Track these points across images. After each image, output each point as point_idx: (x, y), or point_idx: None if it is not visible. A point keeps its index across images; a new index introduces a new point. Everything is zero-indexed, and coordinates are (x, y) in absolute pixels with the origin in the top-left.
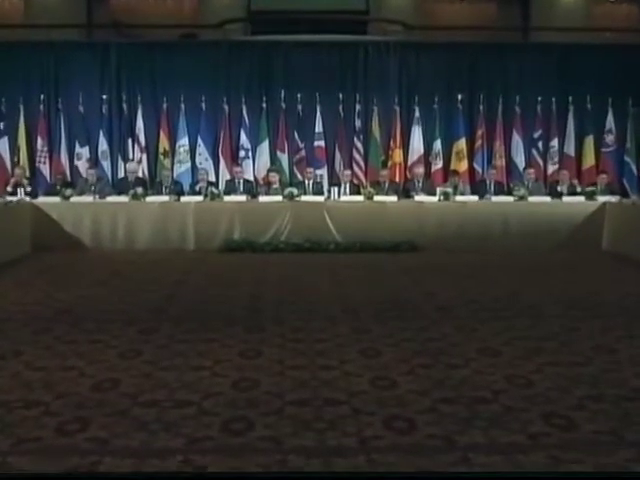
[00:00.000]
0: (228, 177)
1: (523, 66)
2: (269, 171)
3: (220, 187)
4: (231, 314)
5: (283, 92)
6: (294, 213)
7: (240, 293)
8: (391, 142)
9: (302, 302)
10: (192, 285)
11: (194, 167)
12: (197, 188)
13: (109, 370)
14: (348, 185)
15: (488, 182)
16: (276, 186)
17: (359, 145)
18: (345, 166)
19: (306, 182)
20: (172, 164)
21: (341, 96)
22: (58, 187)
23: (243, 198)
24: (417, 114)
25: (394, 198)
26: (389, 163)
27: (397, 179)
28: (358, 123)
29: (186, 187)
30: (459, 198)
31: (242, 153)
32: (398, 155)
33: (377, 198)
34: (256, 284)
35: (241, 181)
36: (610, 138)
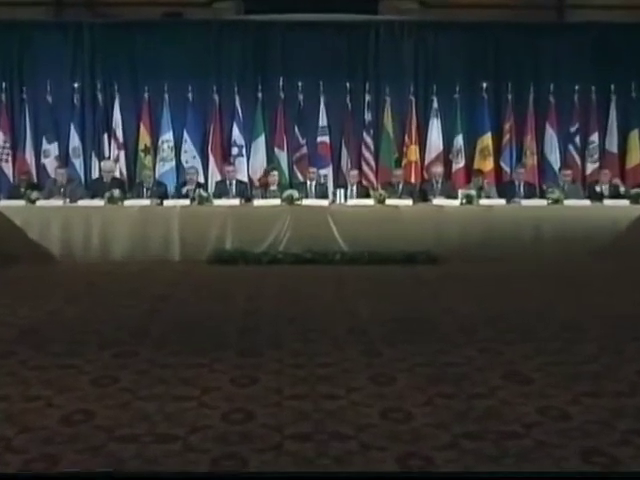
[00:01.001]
0: (219, 178)
1: (557, 49)
2: (266, 171)
3: (209, 189)
4: (221, 335)
5: (282, 80)
6: (294, 219)
7: (232, 311)
8: (406, 137)
9: (303, 321)
10: (177, 301)
11: (179, 166)
12: (183, 190)
13: (81, 400)
14: (356, 187)
15: (517, 183)
16: (274, 188)
17: (369, 141)
18: (353, 165)
19: (308, 183)
20: (154, 163)
21: (348, 85)
22: (22, 189)
23: (236, 202)
24: (435, 105)
25: (409, 202)
26: (403, 162)
27: (412, 180)
28: (368, 116)
29: (170, 189)
30: (484, 202)
31: (235, 150)
32: (414, 152)
33: (389, 202)
34: (250, 300)
35: (233, 182)
36: None
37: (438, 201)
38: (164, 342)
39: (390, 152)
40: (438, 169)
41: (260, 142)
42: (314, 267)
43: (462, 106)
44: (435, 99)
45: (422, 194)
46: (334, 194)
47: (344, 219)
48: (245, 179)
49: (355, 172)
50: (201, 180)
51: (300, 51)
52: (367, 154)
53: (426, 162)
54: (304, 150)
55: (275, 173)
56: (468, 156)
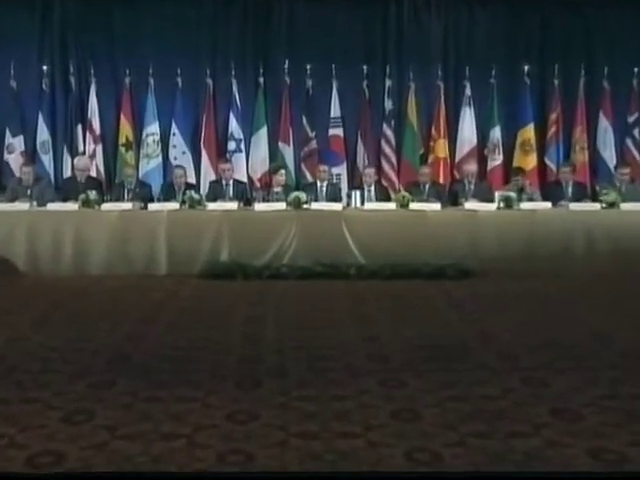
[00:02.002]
0: (213, 177)
1: (613, 26)
2: (271, 169)
3: (202, 190)
4: (216, 363)
5: (287, 62)
6: (302, 226)
7: (228, 335)
8: (433, 130)
9: (312, 347)
10: (163, 324)
11: (167, 163)
12: (173, 192)
13: (49, 439)
14: (374, 188)
15: (565, 183)
16: (278, 189)
17: (390, 134)
18: (370, 163)
19: (318, 184)
20: (137, 159)
21: (365, 68)
22: None
23: (233, 205)
24: (468, 92)
25: (437, 205)
26: (430, 158)
27: (441, 180)
28: (389, 104)
29: (156, 190)
30: (525, 205)
31: (232, 145)
32: (442, 147)
33: (414, 205)
34: (250, 322)
35: (230, 183)
36: None
37: (471, 205)
38: (148, 371)
39: (414, 147)
40: (471, 167)
41: (262, 135)
42: (325, 283)
43: (500, 93)
44: (468, 85)
45: (452, 196)
46: (349, 197)
47: (360, 226)
48: (244, 179)
49: (373, 171)
50: (192, 180)
51: (309, 28)
52: (387, 149)
53: (457, 159)
54: (313, 145)
55: (283, 172)
56: (507, 152)
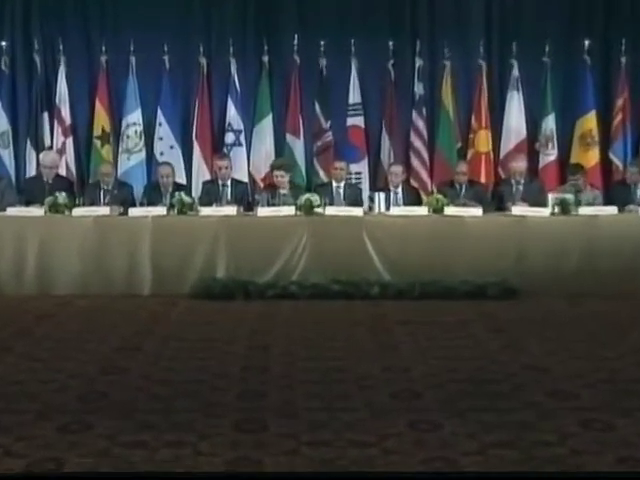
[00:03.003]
0: (207, 176)
1: None
2: (273, 167)
3: (194, 192)
4: (212, 401)
5: (296, 38)
6: (314, 235)
7: (226, 366)
8: (473, 119)
9: (327, 381)
10: (148, 353)
11: (151, 160)
12: (159, 194)
13: None
14: (402, 189)
15: (634, 184)
16: (285, 191)
17: (420, 124)
18: (397, 158)
19: (334, 185)
20: (115, 155)
21: (391, 44)
22: None
23: (232, 210)
24: (516, 73)
25: (477, 210)
26: (469, 153)
27: (482, 179)
28: (419, 88)
29: (138, 192)
30: (585, 210)
31: (230, 137)
32: (484, 140)
33: (450, 210)
34: (252, 352)
35: (228, 183)
36: None
37: (519, 209)
38: (129, 411)
39: (451, 140)
40: (519, 164)
41: (266, 126)
42: (342, 304)
43: (554, 74)
44: (515, 64)
45: (496, 199)
46: (371, 200)
47: (385, 235)
48: (244, 178)
49: (400, 168)
50: (182, 180)
51: None
52: (418, 143)
53: (502, 154)
54: (328, 137)
55: (283, 171)
56: (563, 145)
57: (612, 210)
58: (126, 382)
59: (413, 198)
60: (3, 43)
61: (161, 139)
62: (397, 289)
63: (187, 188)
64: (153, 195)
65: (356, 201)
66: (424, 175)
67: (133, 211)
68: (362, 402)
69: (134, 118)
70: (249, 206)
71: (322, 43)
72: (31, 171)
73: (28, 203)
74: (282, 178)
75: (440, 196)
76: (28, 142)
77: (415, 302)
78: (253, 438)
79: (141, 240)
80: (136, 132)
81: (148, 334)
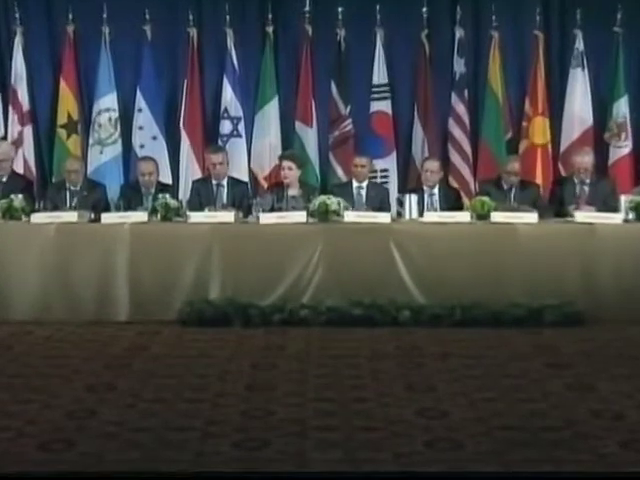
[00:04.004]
0: (198, 174)
1: None
2: (281, 157)
3: (182, 194)
4: (204, 452)
5: (308, 3)
6: (330, 247)
7: (222, 411)
8: (527, 103)
9: (346, 428)
10: (123, 394)
11: (129, 154)
12: (139, 196)
13: None
14: (439, 190)
15: None
16: (294, 192)
17: (461, 110)
18: (433, 152)
19: (355, 185)
20: (85, 148)
21: (425, 11)
22: None
23: (228, 216)
24: (580, 46)
25: (532, 216)
26: (522, 145)
27: (539, 178)
28: (459, 65)
29: (113, 193)
30: None
31: (226, 126)
32: (541, 130)
33: (498, 216)
34: (253, 393)
35: (224, 182)
36: None
37: (584, 215)
38: (99, 463)
39: (499, 130)
40: (584, 159)
41: (270, 112)
42: (366, 332)
43: (628, 47)
44: (579, 35)
45: (556, 203)
46: (400, 203)
47: (418, 247)
48: (244, 177)
49: (437, 164)
50: (167, 179)
51: None
52: (458, 133)
53: (562, 146)
54: (347, 126)
55: (291, 167)
56: (639, 136)
57: None
58: (97, 428)
59: (452, 201)
60: None
61: (141, 128)
62: (433, 314)
63: (173, 189)
64: (131, 197)
65: (382, 205)
66: (466, 173)
67: (106, 217)
68: (391, 453)
69: (108, 102)
70: (249, 211)
71: (340, 10)
72: None
73: None
74: (291, 171)
75: (486, 199)
76: None
77: (455, 330)
78: None
79: (116, 253)
80: (110, 120)
81: (124, 370)
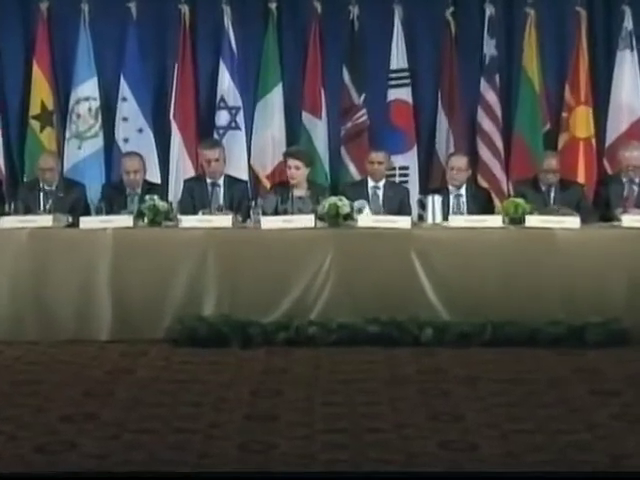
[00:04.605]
0: (191, 172)
1: None
2: (287, 155)
3: (172, 195)
4: None
5: None
6: (342, 256)
7: (217, 443)
8: (567, 91)
9: (360, 463)
10: (106, 423)
11: (112, 149)
12: (123, 198)
13: None
14: (466, 191)
15: None
16: (301, 192)
17: (492, 98)
18: (460, 147)
19: (370, 184)
20: (61, 142)
21: None
22: None
23: (225, 220)
24: (628, 24)
25: (573, 220)
26: (562, 139)
27: (581, 177)
28: (489, 47)
29: (94, 194)
30: None
31: (223, 117)
32: (584, 121)
33: (534, 220)
34: (253, 422)
35: (220, 182)
36: None
37: (633, 219)
38: None
39: (535, 121)
40: (634, 154)
41: (274, 101)
42: (382, 353)
43: None
44: (628, 12)
45: (601, 205)
46: (422, 206)
47: (442, 256)
48: (243, 175)
49: (464, 161)
50: (155, 178)
51: None
52: (488, 124)
53: (608, 140)
54: (362, 117)
55: (297, 163)
56: None
57: None
58: (75, 463)
59: (482, 203)
60: None
61: (125, 120)
62: (459, 332)
63: (162, 189)
64: (114, 199)
65: (401, 208)
66: (497, 170)
67: (86, 221)
68: None
69: (87, 90)
70: (249, 214)
71: None
72: None
73: None
74: (298, 171)
75: (520, 200)
76: None
77: (485, 351)
78: None
79: (97, 263)
80: (90, 110)
81: (106, 397)
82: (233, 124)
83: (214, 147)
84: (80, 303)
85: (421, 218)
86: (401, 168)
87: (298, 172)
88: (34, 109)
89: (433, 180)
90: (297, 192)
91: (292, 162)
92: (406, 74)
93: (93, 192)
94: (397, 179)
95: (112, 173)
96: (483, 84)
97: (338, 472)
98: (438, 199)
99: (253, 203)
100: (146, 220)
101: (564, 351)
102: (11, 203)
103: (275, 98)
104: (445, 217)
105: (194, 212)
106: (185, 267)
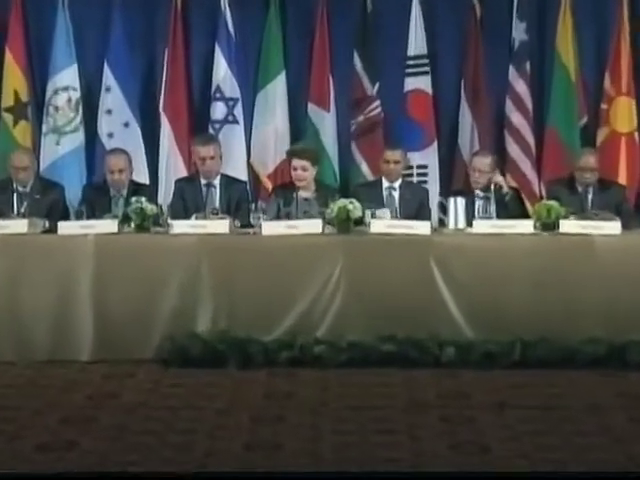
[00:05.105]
0: (183, 172)
1: None
2: (291, 154)
3: (162, 197)
4: None
5: None
6: (353, 266)
7: None
8: (606, 79)
9: None
10: (87, 453)
11: (94, 145)
12: (106, 200)
13: None
14: (494, 193)
15: None
16: (307, 194)
17: (522, 88)
18: (485, 143)
19: (384, 185)
20: (37, 137)
21: None
22: None
23: (222, 225)
24: None
25: (614, 226)
26: (601, 134)
27: (623, 177)
28: (519, 31)
29: (74, 196)
30: None
31: (219, 109)
32: (627, 113)
33: (569, 226)
34: (253, 453)
35: (216, 182)
36: None
37: None
38: None
39: (571, 114)
40: None
41: (276, 91)
42: (399, 375)
43: None
44: None
45: None
46: (443, 209)
47: (466, 266)
48: (242, 175)
49: (488, 161)
50: (143, 178)
51: None
52: (517, 118)
53: None
54: (375, 109)
55: (302, 163)
56: None
57: None
58: None
59: (511, 206)
60: None
61: (109, 112)
62: (485, 352)
63: (151, 190)
64: (97, 201)
65: (419, 211)
66: (528, 169)
67: (65, 227)
68: None
69: (66, 79)
70: (249, 219)
71: None
72: None
73: None
74: (305, 172)
75: (553, 203)
76: None
77: (514, 373)
78: None
79: (78, 273)
80: (70, 101)
81: (87, 424)
82: (230, 117)
83: (209, 143)
84: (58, 319)
85: (442, 223)
86: (419, 167)
87: (305, 173)
88: (6, 101)
89: (455, 180)
90: (303, 194)
91: (298, 162)
92: (425, 61)
93: (73, 194)
94: (415, 179)
95: (94, 172)
96: (512, 72)
97: (341, 472)
98: (461, 201)
99: (253, 206)
100: (132, 225)
101: (604, 373)
102: None
103: (277, 88)
104: (469, 222)
105: (186, 216)
106: (176, 278)
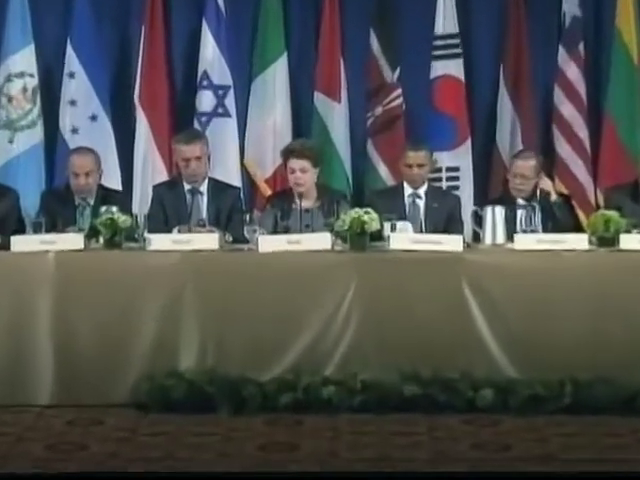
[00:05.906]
0: (164, 175)
1: None
2: (286, 153)
3: (137, 207)
4: None
5: None
6: (369, 288)
7: None
8: None
9: None
10: None
11: (55, 143)
12: (70, 208)
13: None
14: (539, 202)
15: None
16: (308, 205)
17: (574, 74)
18: (530, 141)
19: (407, 192)
20: None
21: None
22: None
23: (210, 240)
24: None
25: None
26: None
27: None
28: (569, 5)
29: (30, 204)
30: None
31: (206, 100)
32: None
33: (630, 240)
34: None
35: (203, 188)
36: None
37: None
38: None
39: (633, 105)
40: None
41: (276, 78)
42: (425, 421)
43: None
44: None
45: None
46: (478, 220)
47: (505, 290)
48: (234, 180)
49: (530, 165)
50: (115, 183)
51: None
52: (569, 110)
53: None
54: (396, 99)
55: (304, 165)
56: None
57: None
58: None
59: (561, 217)
60: None
61: (74, 103)
62: (529, 395)
63: (124, 197)
64: (59, 211)
65: (449, 223)
66: (581, 172)
67: (20, 241)
68: None
69: (21, 63)
70: (243, 232)
71: None
72: None
73: None
74: (305, 174)
75: (612, 213)
76: None
77: (564, 419)
78: None
79: (35, 299)
80: (25, 90)
81: None
82: (220, 109)
83: (194, 141)
84: (11, 355)
85: (477, 237)
86: (449, 169)
87: (305, 176)
88: None
89: (493, 186)
90: (305, 203)
91: (295, 163)
92: (456, 41)
93: (29, 202)
94: (444, 184)
95: (55, 176)
96: (562, 55)
97: (342, 472)
98: (500, 211)
99: (247, 217)
100: (101, 240)
101: None
102: None
103: (278, 74)
104: (509, 236)
105: (167, 230)
106: (155, 305)
